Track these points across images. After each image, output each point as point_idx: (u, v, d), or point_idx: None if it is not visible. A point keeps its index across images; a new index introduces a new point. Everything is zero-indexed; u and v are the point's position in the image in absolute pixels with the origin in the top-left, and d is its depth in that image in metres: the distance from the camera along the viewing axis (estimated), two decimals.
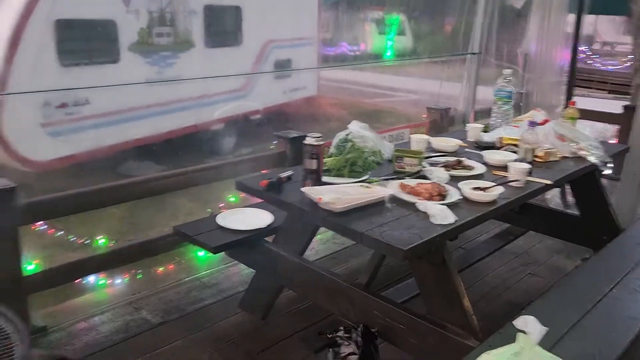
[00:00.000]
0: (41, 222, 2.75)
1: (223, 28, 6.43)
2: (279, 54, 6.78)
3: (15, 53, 4.68)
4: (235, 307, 2.95)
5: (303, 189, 2.12)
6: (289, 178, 2.35)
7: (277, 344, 2.66)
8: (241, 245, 2.64)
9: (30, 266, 2.67)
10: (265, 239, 2.68)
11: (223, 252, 3.07)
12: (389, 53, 6.22)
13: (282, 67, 6.84)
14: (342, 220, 1.96)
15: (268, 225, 2.68)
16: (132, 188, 2.97)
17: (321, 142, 2.19)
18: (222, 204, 3.42)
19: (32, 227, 2.71)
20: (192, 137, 6.29)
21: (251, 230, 2.64)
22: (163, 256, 3.27)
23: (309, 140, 2.19)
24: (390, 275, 3.10)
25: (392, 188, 2.18)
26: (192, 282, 3.19)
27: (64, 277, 2.76)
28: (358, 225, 1.92)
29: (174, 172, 3.05)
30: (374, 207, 2.08)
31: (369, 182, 2.24)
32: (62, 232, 2.85)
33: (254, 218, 2.75)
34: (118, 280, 3.09)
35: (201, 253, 3.40)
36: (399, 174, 2.36)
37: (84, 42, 5.28)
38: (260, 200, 2.86)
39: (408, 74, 6.83)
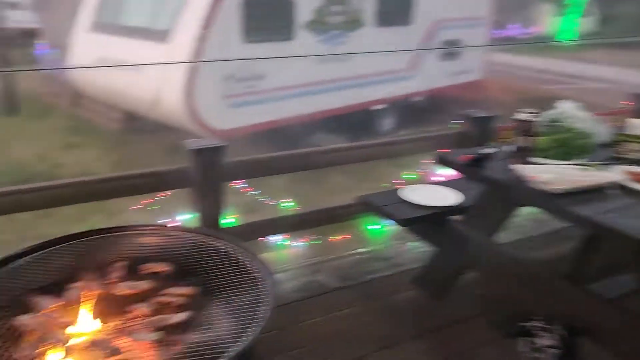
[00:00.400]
0: (239, 181, 2.98)
1: (395, 7, 6.38)
2: (447, 34, 6.57)
3: (208, 29, 5.13)
4: (407, 282, 2.95)
5: (514, 166, 2.02)
6: (492, 155, 2.26)
7: (456, 324, 2.61)
8: (426, 221, 2.62)
9: (226, 220, 2.92)
10: (452, 217, 2.63)
11: (397, 228, 3.09)
12: (570, 35, 5.69)
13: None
14: (563, 202, 1.83)
15: (457, 204, 2.62)
16: (318, 157, 3.09)
17: (535, 119, 2.06)
18: (396, 180, 3.42)
19: (230, 185, 2.94)
20: (351, 116, 6.39)
21: (438, 207, 2.60)
22: (338, 226, 3.39)
23: (521, 116, 2.08)
24: (598, 268, 2.85)
25: (615, 174, 1.98)
26: (366, 253, 3.25)
27: (254, 233, 2.97)
28: (583, 209, 1.77)
29: (355, 145, 3.11)
30: (595, 192, 1.91)
31: (587, 166, 2.07)
32: (253, 192, 3.06)
33: (439, 195, 2.71)
34: (298, 243, 3.25)
35: (374, 227, 3.45)
36: (620, 160, 2.15)
37: (265, 21, 5.60)
38: (439, 179, 2.80)
39: (587, 60, 6.22)
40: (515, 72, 7.44)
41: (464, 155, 2.23)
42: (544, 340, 2.04)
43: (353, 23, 5.95)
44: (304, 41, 5.73)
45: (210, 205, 2.70)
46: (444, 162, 2.35)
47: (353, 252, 3.26)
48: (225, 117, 5.49)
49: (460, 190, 2.75)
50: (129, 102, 6.16)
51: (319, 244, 3.30)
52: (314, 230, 3.26)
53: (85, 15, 6.70)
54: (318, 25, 5.69)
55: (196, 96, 5.23)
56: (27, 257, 1.65)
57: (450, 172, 3.48)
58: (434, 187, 2.86)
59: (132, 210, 3.18)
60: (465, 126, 3.26)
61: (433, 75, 6.65)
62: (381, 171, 5.32)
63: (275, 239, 3.14)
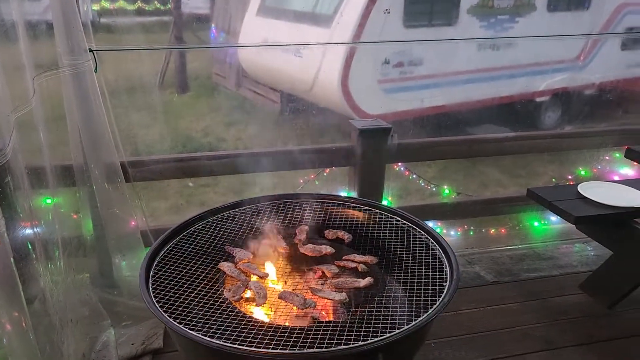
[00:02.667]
0: (401, 163, 2.98)
1: None
2: (633, 20, 5.86)
3: (369, 16, 5.18)
4: (574, 286, 2.74)
5: None
6: None
7: (631, 337, 2.37)
8: (604, 221, 2.40)
9: (384, 202, 2.95)
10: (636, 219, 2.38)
11: (561, 227, 2.87)
12: None
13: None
14: None
15: None
16: (484, 145, 2.97)
17: None
18: (571, 176, 3.18)
19: (394, 167, 2.96)
20: (512, 107, 6.03)
21: (621, 207, 2.36)
22: (495, 218, 3.25)
23: None
24: None
25: None
26: (526, 250, 3.08)
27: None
28: None
29: (530, 135, 2.94)
30: None
31: None
32: (415, 176, 3.04)
33: (623, 195, 2.47)
34: (452, 232, 3.19)
35: (536, 223, 3.26)
36: None
37: (429, 4, 5.49)
38: (626, 176, 2.53)
39: None
40: None
41: None
42: None
43: (524, 7, 5.57)
44: (468, 26, 5.51)
45: (370, 185, 2.75)
46: (637, 157, 2.11)
47: (511, 247, 3.11)
48: (379, 102, 5.52)
49: None
50: (287, 84, 6.48)
51: (474, 236, 3.19)
52: (469, 220, 3.16)
53: (253, 0, 7.15)
54: (484, 9, 5.44)
55: (351, 80, 5.33)
56: (226, 212, 1.82)
57: (631, 172, 3.16)
58: (617, 186, 2.60)
59: (291, 186, 3.35)
60: None
61: (611, 66, 5.99)
62: (538, 168, 4.98)
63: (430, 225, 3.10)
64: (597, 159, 3.22)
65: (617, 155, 3.14)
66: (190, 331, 1.25)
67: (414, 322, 1.28)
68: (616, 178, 3.10)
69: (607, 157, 3.21)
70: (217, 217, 1.82)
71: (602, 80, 6.09)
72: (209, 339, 1.22)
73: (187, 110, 7.79)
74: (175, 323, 1.29)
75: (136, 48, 2.72)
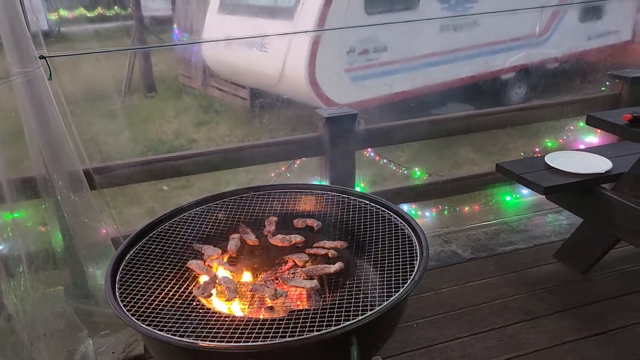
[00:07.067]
0: (368, 149, 2.98)
1: None
2: None
3: (330, 4, 5.16)
4: (549, 256, 2.79)
5: None
6: None
7: (604, 301, 2.42)
8: (572, 189, 2.44)
9: (357, 188, 2.95)
10: (602, 185, 2.42)
11: (532, 199, 2.90)
12: None
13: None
14: None
15: (606, 171, 2.41)
16: (453, 123, 2.99)
17: None
18: (539, 149, 3.21)
19: (364, 153, 2.95)
20: (479, 86, 6.08)
21: (587, 174, 2.40)
22: (468, 196, 3.27)
23: None
24: None
25: None
26: (500, 225, 3.12)
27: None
28: None
29: (492, 110, 2.96)
30: None
31: None
32: (385, 161, 3.05)
33: (588, 162, 2.51)
34: (427, 213, 3.20)
35: (508, 197, 3.29)
36: None
37: None
38: (590, 144, 2.57)
39: None
40: None
41: (625, 114, 2.02)
42: None
43: None
44: (428, 9, 5.53)
45: (342, 172, 2.74)
46: (597, 124, 2.15)
47: (486, 223, 3.14)
48: (347, 91, 5.52)
49: (609, 157, 2.52)
50: (254, 80, 6.43)
51: (449, 215, 3.22)
52: (443, 200, 3.18)
53: None
54: None
55: (318, 71, 5.31)
56: (193, 210, 1.80)
57: (595, 140, 3.21)
58: (581, 154, 2.65)
59: (264, 180, 3.33)
60: (614, 88, 2.96)
61: (571, 39, 6.07)
62: (508, 144, 5.05)
63: (405, 208, 3.11)
64: (562, 129, 3.27)
65: (581, 124, 3.19)
66: (159, 332, 1.23)
67: (385, 303, 1.28)
68: (582, 147, 3.15)
69: (572, 127, 3.26)
70: (184, 216, 1.79)
71: (564, 53, 6.18)
72: (179, 338, 1.20)
73: (155, 113, 7.68)
74: (143, 326, 1.26)
75: (90, 52, 2.65)
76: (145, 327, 1.26)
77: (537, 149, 3.27)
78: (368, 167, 3.03)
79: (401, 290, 1.33)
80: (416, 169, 3.14)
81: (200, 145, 6.31)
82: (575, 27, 6.25)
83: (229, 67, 6.80)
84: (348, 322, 1.21)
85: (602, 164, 2.47)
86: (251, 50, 6.02)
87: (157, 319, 1.30)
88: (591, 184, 2.41)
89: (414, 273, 1.40)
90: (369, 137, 2.79)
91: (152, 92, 8.13)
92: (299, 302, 1.49)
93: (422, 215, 3.19)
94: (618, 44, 6.46)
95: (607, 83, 3.02)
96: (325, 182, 2.76)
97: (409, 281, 1.36)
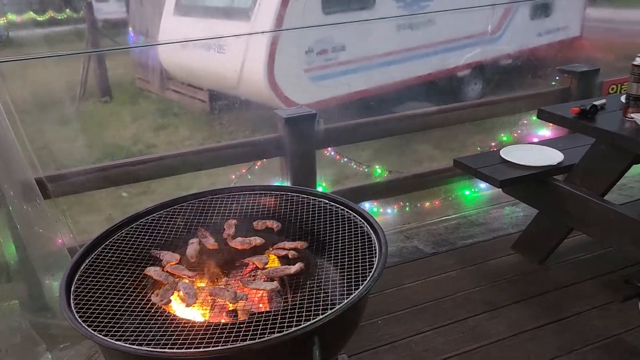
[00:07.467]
0: (329, 149, 2.99)
1: None
2: None
3: (287, 4, 5.16)
4: (507, 247, 2.86)
5: (633, 115, 1.88)
6: (602, 107, 2.11)
7: (560, 289, 2.50)
8: (527, 181, 2.51)
9: (319, 188, 2.95)
10: (555, 177, 2.51)
11: (490, 193, 2.97)
12: None
13: None
14: None
15: (559, 163, 2.49)
16: (409, 121, 3.03)
17: None
18: (494, 143, 3.30)
19: (325, 152, 2.97)
20: (436, 84, 6.19)
21: (540, 166, 2.48)
22: (429, 192, 3.33)
23: (637, 61, 1.92)
24: None
25: None
26: (460, 219, 3.18)
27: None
28: None
29: (448, 107, 3.02)
30: None
31: None
32: (345, 160, 3.07)
33: (541, 155, 2.59)
34: (388, 210, 3.24)
35: (467, 192, 3.37)
36: None
37: None
38: (543, 137, 2.65)
39: None
40: (620, 28, 6.69)
41: (574, 108, 2.10)
42: None
43: None
44: (385, 8, 5.60)
45: (303, 173, 2.75)
46: (548, 117, 2.22)
47: (446, 218, 3.20)
48: (307, 91, 5.53)
49: (560, 150, 2.62)
50: (213, 82, 6.36)
51: (410, 211, 3.27)
52: (404, 196, 3.23)
53: (168, 0, 6.96)
54: None
55: (277, 71, 5.30)
56: (150, 215, 1.76)
57: (547, 133, 3.32)
58: (534, 147, 2.74)
59: (225, 183, 3.30)
60: (564, 83, 3.07)
61: (523, 36, 6.26)
62: (466, 140, 5.16)
63: (366, 205, 3.14)
64: (516, 124, 3.37)
65: (534, 118, 3.29)
66: (117, 342, 1.20)
67: (345, 301, 1.28)
68: (535, 140, 3.25)
69: (525, 122, 3.36)
70: (141, 222, 1.75)
71: (516, 49, 6.37)
72: (137, 346, 1.18)
73: (112, 118, 7.50)
74: (100, 336, 1.23)
75: (41, 56, 2.57)
76: (102, 337, 1.23)
77: (493, 144, 3.36)
78: (329, 166, 3.04)
79: (361, 287, 1.34)
80: (377, 167, 3.17)
81: (159, 150, 6.19)
82: (526, 24, 6.46)
83: (186, 70, 6.71)
84: (308, 322, 1.22)
85: (554, 156, 2.55)
86: (209, 52, 5.96)
87: (115, 329, 1.27)
88: (544, 176, 2.48)
89: (372, 270, 1.41)
90: (328, 136, 2.80)
91: (106, 96, 7.92)
92: (260, 305, 1.48)
93: (384, 212, 3.22)
94: (567, 39, 6.71)
95: (557, 78, 3.13)
96: (287, 183, 2.75)
97: (368, 278, 1.38)
